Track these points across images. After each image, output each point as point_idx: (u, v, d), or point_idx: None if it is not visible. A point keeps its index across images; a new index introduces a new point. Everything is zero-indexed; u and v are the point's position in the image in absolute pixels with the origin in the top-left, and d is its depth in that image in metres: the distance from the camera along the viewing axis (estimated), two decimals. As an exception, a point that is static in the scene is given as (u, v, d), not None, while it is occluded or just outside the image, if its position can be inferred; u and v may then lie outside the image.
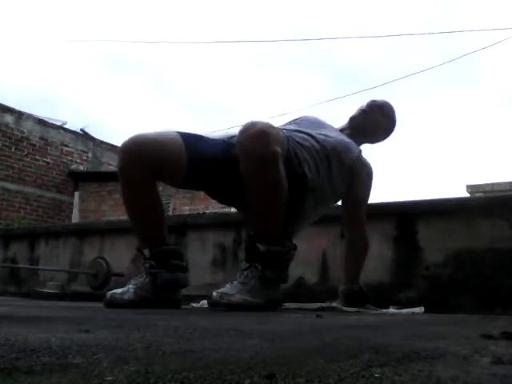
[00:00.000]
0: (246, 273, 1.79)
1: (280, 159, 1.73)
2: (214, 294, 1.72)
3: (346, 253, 2.26)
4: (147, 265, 1.89)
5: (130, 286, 1.87)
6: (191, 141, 1.94)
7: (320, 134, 2.10)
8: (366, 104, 2.36)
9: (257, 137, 1.69)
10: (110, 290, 1.99)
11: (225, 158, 1.91)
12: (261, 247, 1.79)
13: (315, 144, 2.02)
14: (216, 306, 1.70)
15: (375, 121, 2.35)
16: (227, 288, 1.75)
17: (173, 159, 1.90)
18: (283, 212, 1.79)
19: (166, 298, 1.89)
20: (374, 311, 2.08)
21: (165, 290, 1.89)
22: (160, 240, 1.92)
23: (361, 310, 2.05)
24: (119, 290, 1.88)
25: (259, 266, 1.78)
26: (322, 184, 2.01)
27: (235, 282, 1.79)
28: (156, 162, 1.88)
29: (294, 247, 1.93)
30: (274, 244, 1.81)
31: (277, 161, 1.72)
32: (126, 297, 1.83)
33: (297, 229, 2.07)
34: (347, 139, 2.20)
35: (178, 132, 1.95)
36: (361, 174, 2.19)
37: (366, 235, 2.24)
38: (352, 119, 2.35)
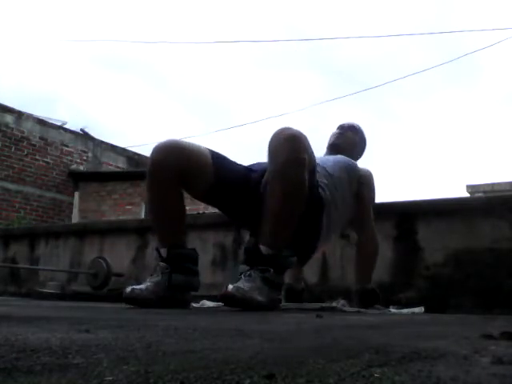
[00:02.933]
0: (249, 273, 1.77)
1: (306, 167, 1.77)
2: (230, 286, 1.68)
3: (358, 253, 2.36)
4: (163, 265, 1.93)
5: (148, 284, 1.90)
6: (219, 158, 2.06)
7: (325, 163, 2.21)
8: (337, 129, 2.57)
9: (289, 140, 1.74)
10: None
11: (246, 179, 2.04)
12: (264, 250, 1.77)
13: (326, 173, 2.15)
14: (231, 299, 1.68)
15: (350, 139, 2.53)
16: (241, 283, 1.72)
17: (200, 170, 1.99)
18: (297, 220, 1.81)
19: (177, 299, 1.94)
20: (377, 311, 2.08)
21: (178, 292, 1.93)
22: (178, 241, 1.98)
23: (361, 310, 2.04)
24: (138, 287, 1.90)
25: (261, 269, 1.76)
26: (335, 202, 2.10)
27: (242, 280, 1.75)
28: (184, 169, 1.96)
29: (293, 254, 1.91)
30: (279, 248, 1.80)
31: (303, 166, 1.76)
32: (145, 293, 1.86)
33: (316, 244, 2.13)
34: (345, 158, 2.34)
35: (208, 148, 2.06)
36: (366, 181, 2.36)
37: (376, 236, 2.36)
38: (331, 145, 2.52)
